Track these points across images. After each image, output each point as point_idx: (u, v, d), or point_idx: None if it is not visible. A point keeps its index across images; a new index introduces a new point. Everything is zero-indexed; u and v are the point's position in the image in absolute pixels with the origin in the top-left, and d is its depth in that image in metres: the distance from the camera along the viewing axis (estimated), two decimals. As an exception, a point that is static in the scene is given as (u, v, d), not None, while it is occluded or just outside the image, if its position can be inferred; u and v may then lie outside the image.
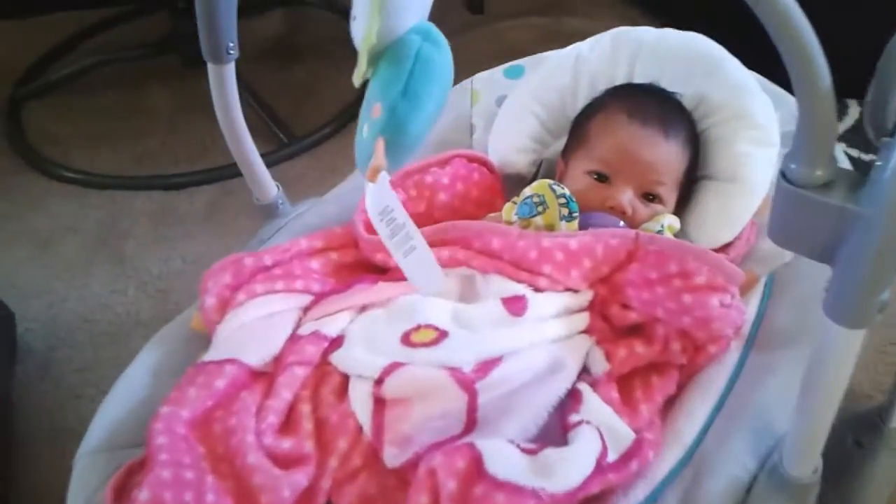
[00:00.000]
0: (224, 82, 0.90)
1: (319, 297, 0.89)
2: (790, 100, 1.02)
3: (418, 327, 0.81)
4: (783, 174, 0.54)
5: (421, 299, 0.85)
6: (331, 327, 0.84)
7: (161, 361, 0.87)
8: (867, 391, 1.09)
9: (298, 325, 0.87)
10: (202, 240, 1.65)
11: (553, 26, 2.15)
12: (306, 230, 0.99)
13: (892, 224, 0.50)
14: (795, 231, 0.55)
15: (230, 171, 1.69)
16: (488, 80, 1.16)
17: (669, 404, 0.82)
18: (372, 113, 0.66)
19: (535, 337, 0.81)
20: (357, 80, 0.68)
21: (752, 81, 0.98)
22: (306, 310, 0.89)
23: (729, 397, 0.81)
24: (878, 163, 0.50)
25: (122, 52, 2.08)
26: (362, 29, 0.64)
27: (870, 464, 0.91)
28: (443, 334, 0.80)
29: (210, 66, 0.89)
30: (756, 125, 0.95)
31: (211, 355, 0.82)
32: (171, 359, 0.87)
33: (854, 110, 1.64)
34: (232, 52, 0.87)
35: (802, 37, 0.47)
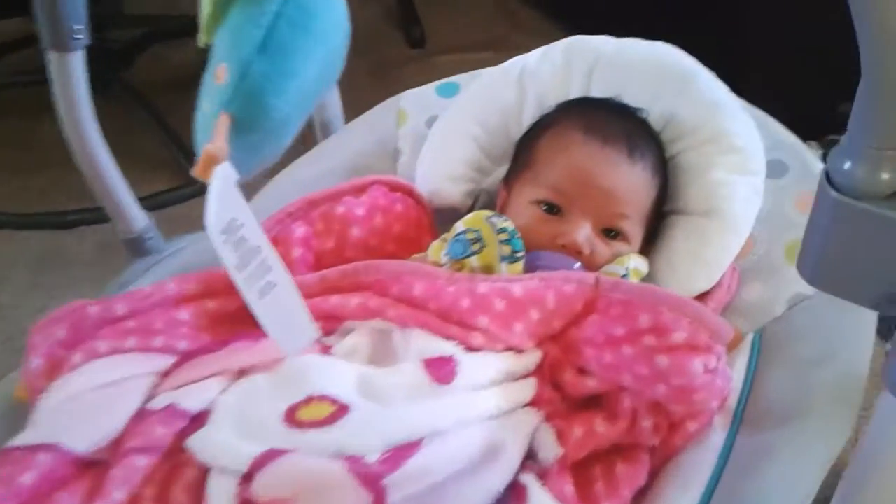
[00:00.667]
0: (68, 74, 0.69)
1: (185, 359, 0.68)
2: (770, 123, 0.87)
3: (309, 400, 0.61)
4: (828, 179, 0.36)
5: (317, 362, 0.65)
6: (193, 400, 0.64)
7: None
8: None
9: (151, 396, 0.65)
10: (88, 287, 1.42)
11: (494, 61, 2.03)
12: (181, 272, 0.78)
13: None
14: (843, 264, 0.37)
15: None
16: (418, 98, 0.99)
17: (640, 499, 0.63)
18: (216, 78, 0.46)
19: (465, 412, 0.62)
20: (204, 39, 0.48)
21: (729, 98, 0.83)
22: (165, 375, 0.67)
23: (716, 490, 0.62)
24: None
25: (15, 77, 1.88)
26: None
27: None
28: (342, 409, 0.60)
29: (51, 56, 0.69)
30: (736, 149, 0.79)
31: (24, 438, 0.61)
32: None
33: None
34: (79, 36, 0.67)
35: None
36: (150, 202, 1.59)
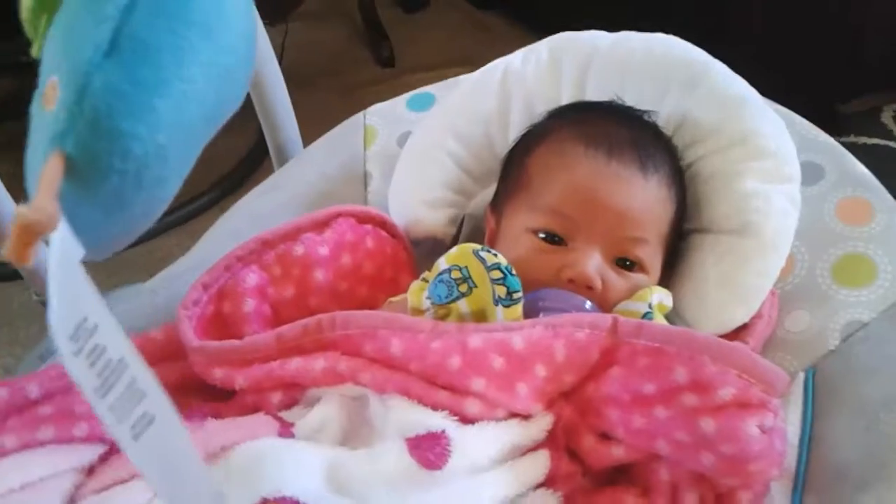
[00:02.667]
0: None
1: (114, 449, 0.55)
2: (798, 120, 0.75)
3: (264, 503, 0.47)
4: None
5: (275, 448, 0.52)
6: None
7: None
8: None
9: (74, 499, 0.52)
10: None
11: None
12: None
13: None
14: None
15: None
16: (386, 113, 0.87)
17: None
18: (44, 100, 0.32)
19: (464, 503, 0.48)
20: (37, 48, 0.35)
21: (751, 92, 0.71)
22: (90, 471, 0.54)
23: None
24: None
25: None
26: None
27: None
28: (303, 512, 0.47)
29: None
30: (767, 152, 0.67)
31: None
32: None
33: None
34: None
35: None
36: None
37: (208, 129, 0.37)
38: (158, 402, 0.36)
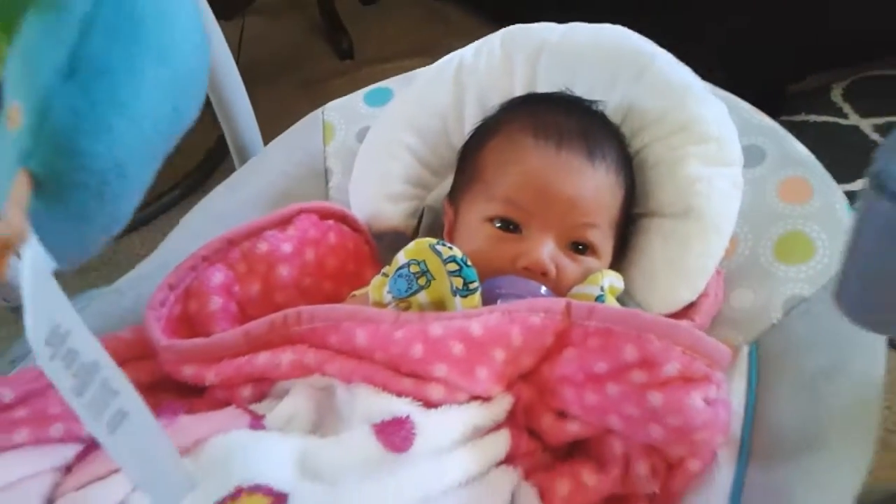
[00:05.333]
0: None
1: (91, 448, 0.57)
2: (742, 105, 0.78)
3: (238, 493, 0.49)
4: (880, 186, 0.26)
5: (247, 440, 0.54)
6: (103, 501, 0.52)
7: None
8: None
9: (53, 498, 0.54)
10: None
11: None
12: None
13: None
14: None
15: None
16: (344, 108, 0.88)
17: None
18: (9, 122, 0.34)
19: (429, 484, 0.52)
20: None
21: (694, 80, 0.74)
22: (68, 470, 0.56)
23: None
24: None
25: None
26: None
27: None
28: (279, 500, 0.49)
29: None
30: (709, 137, 0.70)
31: None
32: None
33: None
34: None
35: None
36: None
37: (166, 143, 0.39)
38: (131, 399, 0.39)
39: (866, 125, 1.49)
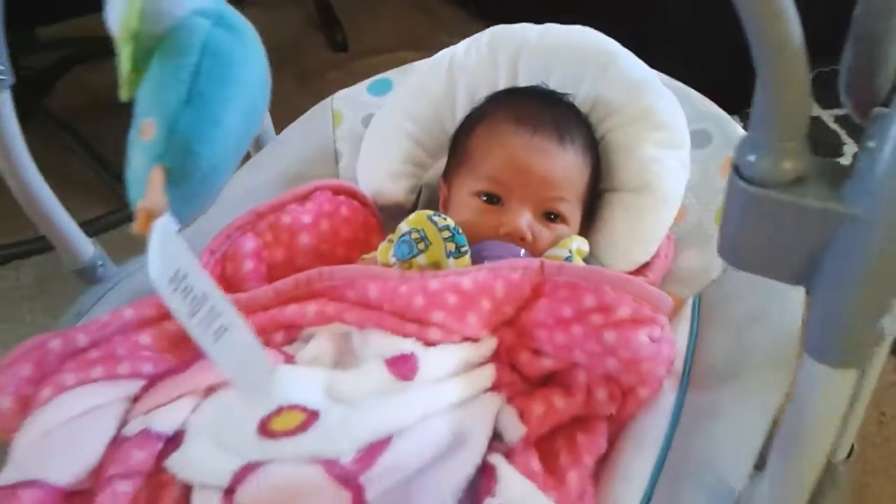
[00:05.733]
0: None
1: (152, 382, 0.69)
2: (693, 95, 0.91)
3: (280, 410, 0.63)
4: (737, 170, 0.39)
5: (282, 372, 0.67)
6: (166, 422, 0.65)
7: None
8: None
9: (124, 421, 0.67)
10: (31, 322, 1.41)
11: (419, 59, 2.06)
12: (135, 297, 0.79)
13: (892, 226, 0.36)
14: (760, 247, 0.41)
15: (45, 244, 1.49)
16: (351, 98, 1.00)
17: (602, 465, 0.68)
18: (142, 134, 0.48)
19: (430, 405, 0.64)
20: (125, 93, 0.49)
21: (651, 75, 0.87)
22: (135, 400, 0.69)
23: (670, 450, 0.66)
24: (870, 143, 0.36)
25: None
26: (120, 9, 0.46)
27: (818, 499, 0.79)
28: (312, 416, 0.62)
29: (-25, 94, 0.69)
30: (661, 125, 0.83)
31: (4, 478, 0.61)
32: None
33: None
34: (5, 77, 0.67)
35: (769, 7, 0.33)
36: (87, 229, 1.58)
37: (242, 150, 0.53)
38: (231, 318, 0.52)
39: (827, 116, 1.62)
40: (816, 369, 0.42)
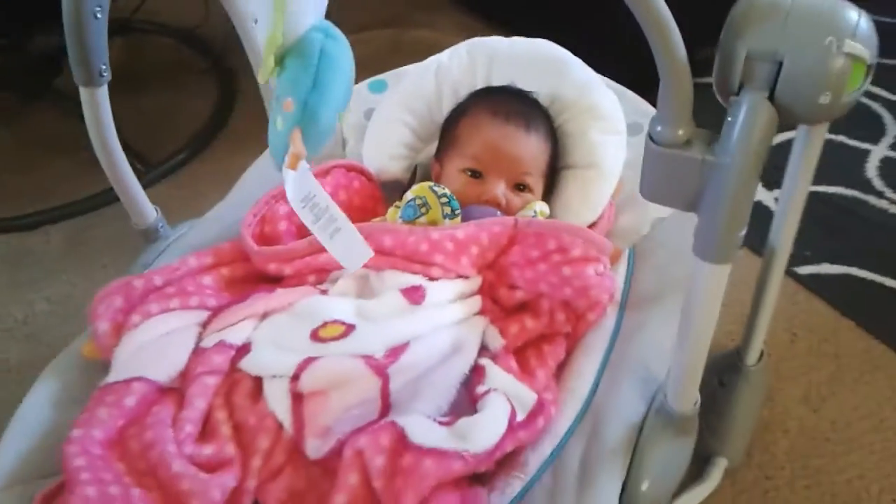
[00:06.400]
0: (98, 106, 0.90)
1: (217, 312, 0.90)
2: (629, 94, 1.15)
3: (325, 324, 0.84)
4: (651, 137, 0.63)
5: (322, 299, 0.89)
6: (235, 336, 0.86)
7: (58, 391, 0.85)
8: (722, 341, 1.22)
9: (199, 339, 0.87)
10: (66, 278, 1.59)
11: (397, 38, 2.28)
12: (190, 250, 0.99)
13: (744, 169, 0.60)
14: (665, 186, 0.64)
15: (83, 206, 1.69)
16: (354, 95, 1.21)
17: (561, 368, 0.90)
18: (284, 107, 0.70)
19: (435, 322, 0.86)
20: (262, 79, 0.71)
21: (596, 78, 1.10)
22: (204, 325, 0.89)
23: (611, 355, 0.90)
24: (729, 118, 0.59)
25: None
26: (266, 30, 0.68)
27: (733, 399, 1.03)
28: (350, 328, 0.84)
29: (82, 91, 0.89)
30: (604, 116, 1.06)
31: (115, 377, 0.81)
32: (69, 388, 0.85)
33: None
34: (105, 74, 0.88)
35: (665, 24, 0.56)
36: (98, 199, 1.77)
37: (342, 112, 0.76)
38: (342, 221, 0.74)
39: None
40: (702, 266, 0.66)
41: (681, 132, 0.61)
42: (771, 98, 0.59)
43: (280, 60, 0.70)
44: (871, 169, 1.76)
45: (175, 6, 1.77)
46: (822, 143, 0.75)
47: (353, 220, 1.03)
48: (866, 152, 1.81)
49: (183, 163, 1.87)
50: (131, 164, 1.80)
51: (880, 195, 1.70)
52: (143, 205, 1.02)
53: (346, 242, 0.74)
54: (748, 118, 0.58)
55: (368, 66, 1.46)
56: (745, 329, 0.95)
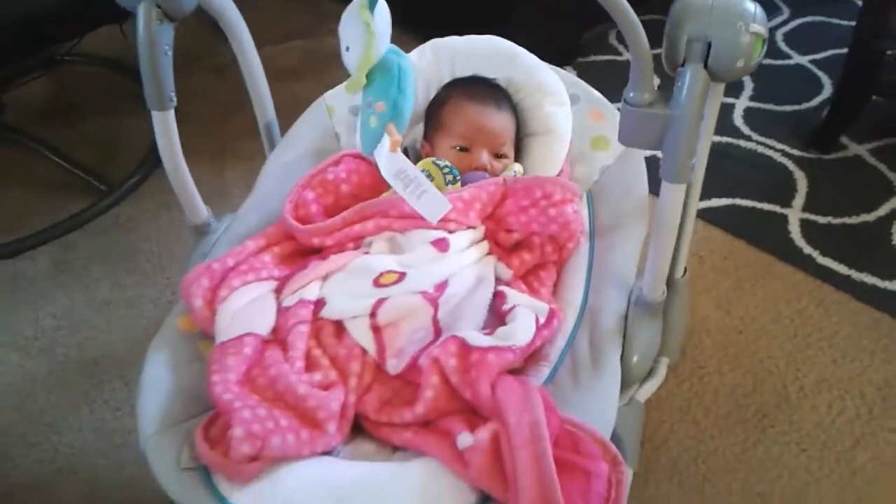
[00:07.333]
0: (168, 125, 1.09)
1: (284, 280, 1.12)
2: (564, 73, 1.44)
3: (381, 274, 1.08)
4: (626, 101, 0.91)
5: (371, 258, 1.12)
6: (309, 294, 1.08)
7: (169, 357, 1.03)
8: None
9: (279, 301, 1.10)
10: (63, 294, 1.74)
11: (314, 47, 2.47)
12: (238, 238, 1.20)
13: (689, 118, 0.88)
14: (638, 134, 0.92)
15: (57, 231, 1.85)
16: (336, 95, 1.44)
17: (556, 287, 1.18)
18: (377, 108, 0.93)
19: (461, 263, 1.12)
20: (352, 90, 0.94)
21: (542, 63, 1.38)
22: (277, 291, 1.11)
23: (592, 272, 1.18)
24: (678, 83, 0.88)
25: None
26: (358, 54, 0.91)
27: (669, 308, 1.33)
28: (402, 275, 1.08)
29: (155, 115, 1.08)
30: (553, 92, 1.35)
31: (227, 336, 1.02)
32: (176, 353, 1.04)
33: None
34: (173, 99, 1.08)
35: (636, 27, 0.84)
36: (75, 221, 1.91)
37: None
38: (427, 186, 0.98)
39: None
40: (667, 186, 0.95)
41: (646, 96, 0.89)
42: (705, 67, 0.88)
43: (368, 75, 0.93)
44: (738, 118, 2.15)
45: (95, 37, 1.93)
46: (722, 94, 1.05)
47: (365, 198, 1.27)
48: (732, 105, 2.19)
49: (143, 180, 2.02)
50: (93, 185, 1.96)
51: (748, 138, 2.08)
52: (198, 204, 1.22)
53: (430, 201, 0.98)
54: (692, 82, 0.87)
55: (294, 73, 1.64)
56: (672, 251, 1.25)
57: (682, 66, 0.88)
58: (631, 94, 0.90)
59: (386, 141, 0.97)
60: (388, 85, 0.93)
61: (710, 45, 0.86)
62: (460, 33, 1.41)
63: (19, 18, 1.61)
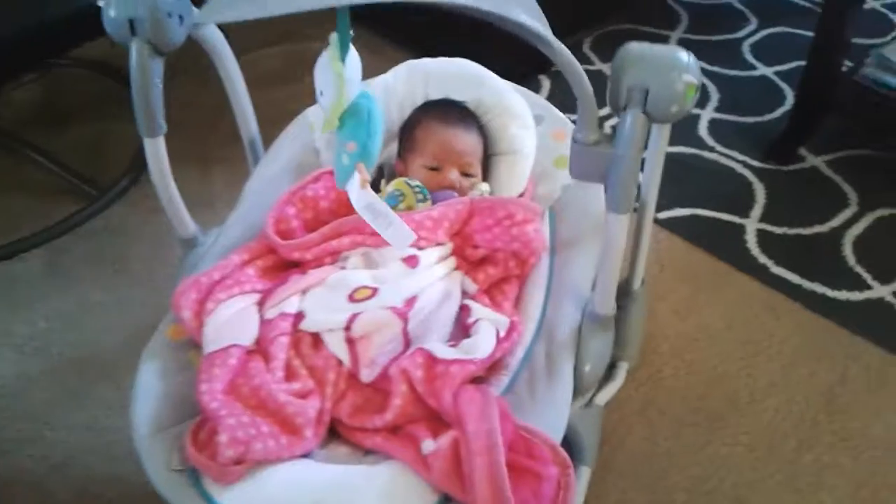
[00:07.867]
0: (158, 150, 1.18)
1: (267, 293, 1.22)
2: (530, 93, 1.53)
3: (356, 289, 1.18)
4: (575, 140, 1.00)
5: (347, 273, 1.22)
6: (289, 307, 1.17)
7: (160, 365, 1.13)
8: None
9: (261, 313, 1.19)
10: (57, 296, 1.82)
11: (297, 51, 2.54)
12: (224, 251, 1.29)
13: (630, 157, 0.98)
14: (586, 170, 1.02)
15: (50, 234, 1.93)
16: (317, 112, 1.53)
17: (518, 300, 1.28)
18: (348, 148, 1.03)
19: (430, 279, 1.22)
20: (324, 131, 1.03)
21: (507, 85, 1.47)
22: (259, 303, 1.21)
23: (551, 286, 1.28)
24: (620, 126, 0.98)
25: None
26: (331, 99, 0.99)
27: (627, 316, 1.43)
28: (375, 290, 1.18)
29: (146, 141, 1.17)
30: (518, 115, 1.44)
31: (214, 347, 1.11)
32: (166, 361, 1.13)
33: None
34: (163, 126, 1.16)
35: (580, 75, 0.93)
36: (67, 224, 1.99)
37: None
38: (392, 217, 1.08)
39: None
40: (612, 216, 1.05)
41: (592, 136, 0.99)
42: (644, 111, 0.97)
43: (339, 118, 1.02)
44: (703, 129, 2.25)
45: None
46: (669, 132, 1.14)
47: (342, 214, 1.36)
48: (698, 116, 2.29)
49: (133, 183, 2.10)
50: (84, 190, 2.04)
51: (712, 149, 2.18)
52: (187, 220, 1.32)
53: (396, 231, 1.07)
54: (632, 125, 0.97)
55: (278, 77, 1.70)
56: (629, 264, 1.35)
57: (624, 109, 0.97)
58: (578, 135, 0.99)
59: (356, 178, 1.06)
60: (358, 128, 1.02)
61: (648, 92, 0.95)
62: (446, 44, 1.49)
63: (17, 32, 1.68)
